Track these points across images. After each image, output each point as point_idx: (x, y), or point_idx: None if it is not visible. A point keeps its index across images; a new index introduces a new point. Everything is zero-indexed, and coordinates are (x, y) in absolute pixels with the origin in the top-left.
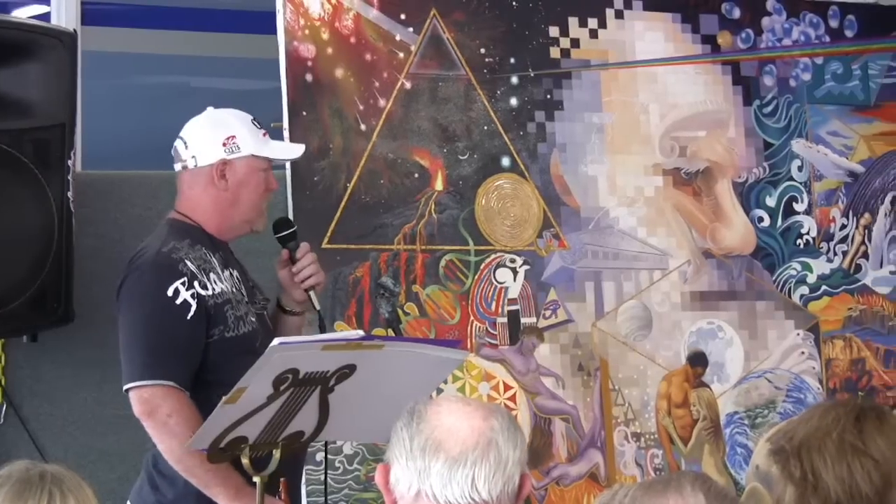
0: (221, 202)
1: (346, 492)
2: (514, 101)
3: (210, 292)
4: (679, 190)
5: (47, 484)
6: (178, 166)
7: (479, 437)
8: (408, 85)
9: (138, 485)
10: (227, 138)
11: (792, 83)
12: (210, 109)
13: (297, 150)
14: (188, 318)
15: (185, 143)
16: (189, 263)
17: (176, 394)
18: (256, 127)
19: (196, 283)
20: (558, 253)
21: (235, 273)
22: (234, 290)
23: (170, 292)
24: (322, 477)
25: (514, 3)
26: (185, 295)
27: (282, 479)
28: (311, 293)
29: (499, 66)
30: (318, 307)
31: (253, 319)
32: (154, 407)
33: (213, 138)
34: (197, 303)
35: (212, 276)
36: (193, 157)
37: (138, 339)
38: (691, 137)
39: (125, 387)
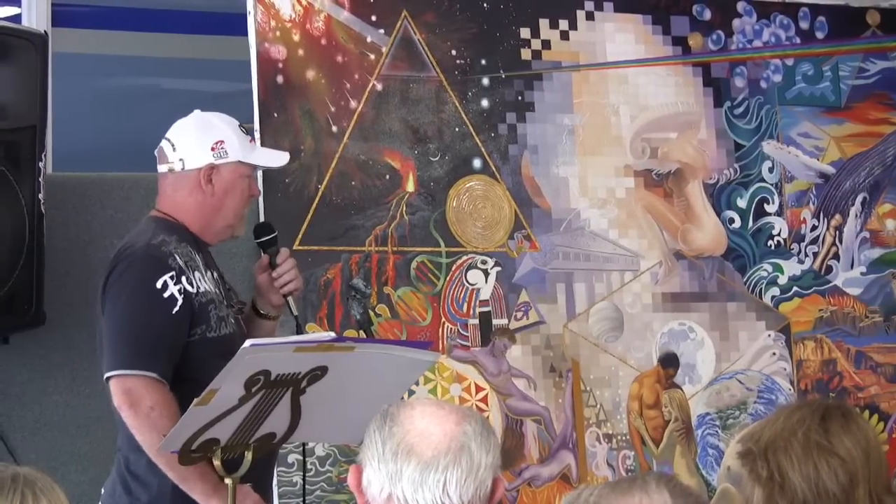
0: (206, 207)
1: (319, 493)
2: (485, 103)
3: (195, 290)
4: (650, 191)
5: (19, 486)
6: (163, 168)
7: (451, 441)
8: (379, 86)
9: (110, 487)
10: (217, 143)
11: (763, 84)
12: (197, 112)
13: (283, 157)
14: (174, 312)
15: (172, 144)
16: (178, 258)
17: (159, 387)
18: (243, 133)
19: (184, 279)
20: (529, 254)
21: (215, 275)
22: (215, 290)
23: (158, 285)
24: (294, 479)
25: (485, 5)
26: (172, 289)
27: (248, 484)
28: (290, 299)
29: (470, 67)
30: (295, 312)
31: (233, 321)
32: (137, 398)
33: (202, 142)
34: (183, 298)
35: (196, 274)
36: (181, 159)
37: (124, 328)
38: (662, 139)
39: (106, 375)
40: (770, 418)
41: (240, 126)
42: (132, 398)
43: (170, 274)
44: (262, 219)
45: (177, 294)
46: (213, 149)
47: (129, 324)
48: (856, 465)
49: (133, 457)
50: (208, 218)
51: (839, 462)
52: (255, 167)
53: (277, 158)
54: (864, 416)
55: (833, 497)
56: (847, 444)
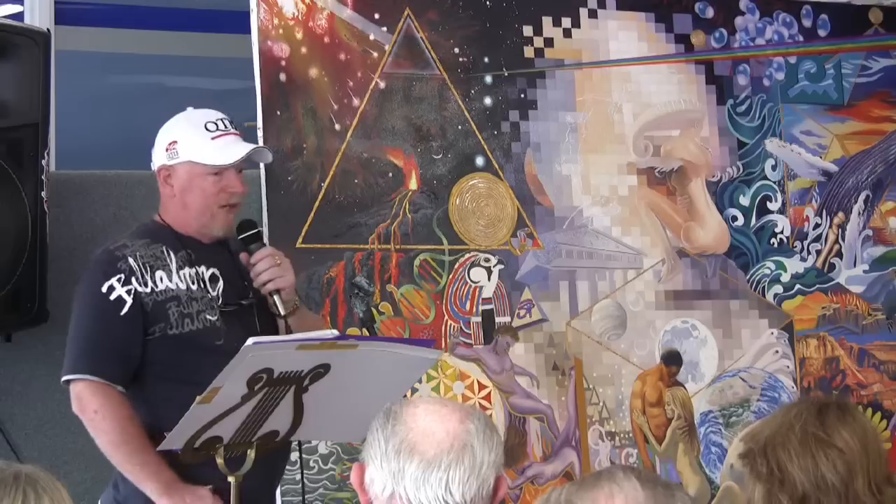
0: (175, 205)
1: (321, 491)
2: (488, 101)
3: (148, 290)
4: (653, 189)
5: (21, 484)
6: None
7: (454, 439)
8: (382, 84)
9: (110, 484)
10: (170, 144)
11: (765, 82)
12: (188, 110)
13: (239, 151)
14: (122, 314)
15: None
16: (131, 260)
17: (104, 389)
18: (211, 130)
19: (134, 280)
20: (532, 252)
21: (206, 272)
22: (190, 287)
23: (104, 289)
24: (297, 476)
25: (487, 3)
26: (119, 291)
27: (209, 487)
28: (276, 297)
29: (473, 65)
30: (282, 312)
31: (210, 318)
32: (85, 403)
33: (161, 143)
34: (133, 299)
35: (158, 273)
36: (151, 161)
37: (73, 334)
38: (665, 137)
39: (62, 379)
40: (768, 417)
41: (211, 122)
42: (81, 403)
43: (117, 277)
44: (265, 217)
45: (125, 295)
46: (167, 150)
47: (75, 329)
48: (854, 457)
49: None
50: (181, 215)
51: (837, 453)
52: (216, 166)
53: (233, 155)
54: (863, 412)
55: (833, 488)
56: (844, 436)
